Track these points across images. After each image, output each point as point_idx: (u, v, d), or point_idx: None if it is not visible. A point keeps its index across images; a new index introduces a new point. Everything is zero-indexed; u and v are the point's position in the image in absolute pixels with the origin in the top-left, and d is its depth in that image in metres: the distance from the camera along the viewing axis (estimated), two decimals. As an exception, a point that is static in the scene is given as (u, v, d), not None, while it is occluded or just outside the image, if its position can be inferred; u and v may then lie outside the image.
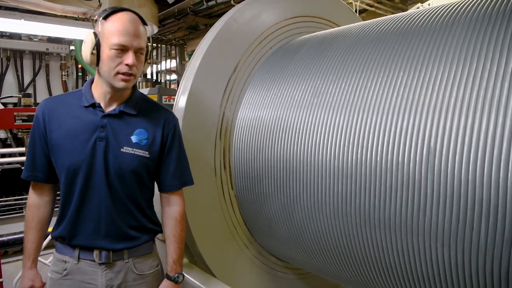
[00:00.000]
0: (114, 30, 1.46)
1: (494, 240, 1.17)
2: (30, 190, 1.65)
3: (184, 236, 1.72)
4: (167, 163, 1.66)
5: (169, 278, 1.66)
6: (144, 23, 1.57)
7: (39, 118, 1.57)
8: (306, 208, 1.77)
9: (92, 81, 1.61)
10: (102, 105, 1.56)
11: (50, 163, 1.59)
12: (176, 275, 1.66)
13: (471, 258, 1.24)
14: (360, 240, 1.57)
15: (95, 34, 1.50)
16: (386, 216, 1.44)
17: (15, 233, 4.25)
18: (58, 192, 1.67)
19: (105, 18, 1.49)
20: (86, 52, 1.51)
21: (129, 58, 1.46)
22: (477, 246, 1.21)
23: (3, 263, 3.09)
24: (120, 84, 1.49)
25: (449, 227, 1.26)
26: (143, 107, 1.64)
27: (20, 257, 3.86)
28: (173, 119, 1.70)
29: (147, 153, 1.59)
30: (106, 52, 1.47)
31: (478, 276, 1.24)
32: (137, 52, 1.49)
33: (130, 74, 1.49)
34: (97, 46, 1.49)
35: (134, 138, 1.57)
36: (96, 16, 1.54)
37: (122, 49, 1.46)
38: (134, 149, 1.56)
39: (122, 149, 1.55)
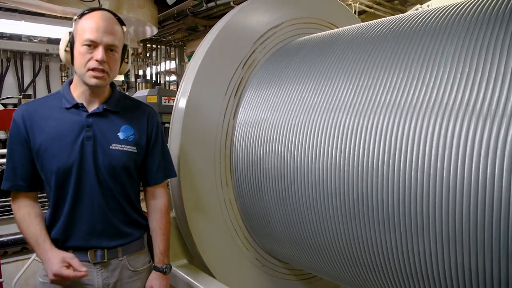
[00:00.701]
0: (86, 26, 1.48)
1: (499, 242, 1.18)
2: (12, 202, 1.58)
3: (169, 228, 1.75)
4: (152, 158, 1.69)
5: (157, 269, 1.68)
6: (122, 24, 1.59)
7: (19, 124, 1.53)
8: (307, 209, 1.78)
9: (70, 82, 1.62)
10: (84, 104, 1.57)
11: (33, 170, 1.55)
12: (164, 266, 1.69)
13: (471, 258, 1.24)
14: (360, 240, 1.58)
15: (70, 33, 1.53)
16: (385, 217, 1.44)
17: (15, 234, 4.24)
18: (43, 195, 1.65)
19: (80, 16, 1.52)
20: (60, 50, 1.56)
21: (98, 53, 1.47)
22: (475, 247, 1.21)
23: (3, 263, 3.09)
24: (91, 81, 1.49)
25: (454, 228, 1.26)
26: (125, 105, 1.67)
27: (20, 257, 3.86)
28: (156, 115, 1.74)
29: (134, 148, 1.61)
30: (78, 49, 1.49)
31: (477, 277, 1.25)
32: (109, 49, 1.50)
33: (102, 71, 1.49)
34: (71, 43, 1.52)
35: (121, 135, 1.59)
36: (75, 16, 1.57)
37: (93, 45, 1.47)
38: (122, 146, 1.58)
39: (111, 146, 1.56)
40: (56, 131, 1.52)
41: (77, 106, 1.56)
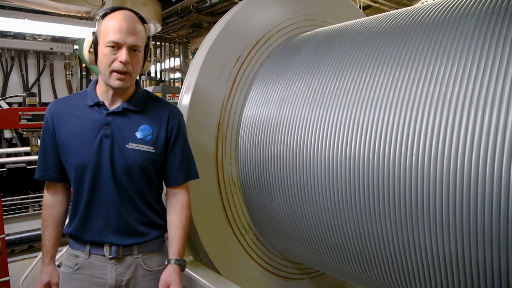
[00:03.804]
0: (109, 27, 1.49)
1: (499, 238, 1.16)
2: (45, 190, 1.70)
3: (188, 224, 1.72)
4: (172, 158, 1.68)
5: (175, 262, 1.62)
6: (144, 22, 1.60)
7: (48, 120, 1.63)
8: (315, 205, 1.77)
9: (97, 81, 1.65)
10: (106, 103, 1.60)
11: (62, 162, 1.63)
12: (183, 260, 1.66)
13: (478, 254, 1.23)
14: (367, 236, 1.56)
15: (94, 33, 1.55)
16: (386, 211, 1.43)
17: (21, 232, 4.27)
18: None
19: (103, 17, 1.54)
20: (84, 51, 1.58)
21: (122, 55, 1.48)
22: (483, 242, 1.20)
23: (10, 261, 3.11)
24: (115, 83, 1.52)
25: (460, 223, 1.25)
26: (147, 103, 1.67)
27: (27, 255, 3.89)
28: (178, 114, 1.72)
29: (152, 148, 1.61)
30: (102, 50, 1.51)
31: (485, 272, 1.24)
32: (132, 49, 1.51)
33: (125, 72, 1.51)
34: (95, 44, 1.54)
35: (139, 134, 1.60)
36: (97, 16, 1.58)
37: (116, 46, 1.49)
38: (139, 145, 1.59)
39: (127, 145, 1.57)
40: (78, 128, 1.58)
41: (99, 104, 1.59)
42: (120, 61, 1.48)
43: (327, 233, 1.75)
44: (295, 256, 2.25)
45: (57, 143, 1.61)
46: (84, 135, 1.57)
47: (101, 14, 1.55)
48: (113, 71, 1.50)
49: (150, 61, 1.67)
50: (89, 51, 1.56)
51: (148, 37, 1.66)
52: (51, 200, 1.69)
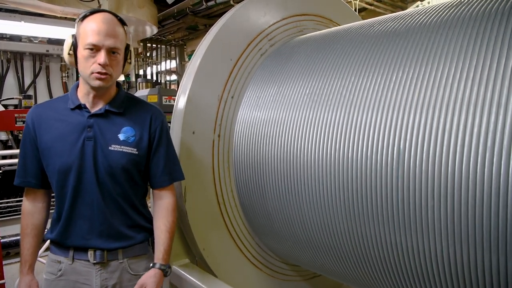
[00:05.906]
0: (88, 30, 1.48)
1: (497, 239, 1.17)
2: (24, 197, 1.65)
3: (175, 228, 1.70)
4: (156, 159, 1.66)
5: (157, 267, 1.59)
6: (123, 24, 1.59)
7: (29, 124, 1.60)
8: (310, 206, 1.78)
9: (78, 85, 1.64)
10: (88, 105, 1.58)
11: (42, 168, 1.60)
12: (167, 265, 1.62)
13: (477, 256, 1.23)
14: (363, 238, 1.57)
15: (73, 36, 1.54)
16: (385, 213, 1.44)
17: (17, 235, 4.25)
18: (53, 195, 1.67)
19: (82, 19, 1.52)
20: (64, 53, 1.57)
21: (101, 57, 1.47)
22: (481, 245, 1.21)
23: (5, 264, 3.10)
24: (95, 82, 1.50)
25: (453, 224, 1.26)
26: (129, 106, 1.66)
27: (22, 258, 3.85)
28: (160, 115, 1.70)
29: (135, 150, 1.59)
30: (81, 52, 1.50)
31: (484, 275, 1.25)
32: (111, 51, 1.50)
33: (105, 74, 1.49)
34: (74, 47, 1.53)
35: (121, 136, 1.58)
36: (77, 18, 1.56)
37: (95, 49, 1.47)
38: (122, 147, 1.57)
39: (110, 147, 1.56)
40: (60, 131, 1.56)
41: (80, 107, 1.58)
42: (99, 64, 1.47)
43: (322, 235, 1.76)
44: (291, 257, 2.26)
45: (39, 148, 1.57)
46: (66, 138, 1.54)
47: (80, 16, 1.54)
48: (92, 72, 1.48)
49: (130, 63, 1.66)
50: (68, 54, 1.55)
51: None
52: (31, 208, 1.64)
